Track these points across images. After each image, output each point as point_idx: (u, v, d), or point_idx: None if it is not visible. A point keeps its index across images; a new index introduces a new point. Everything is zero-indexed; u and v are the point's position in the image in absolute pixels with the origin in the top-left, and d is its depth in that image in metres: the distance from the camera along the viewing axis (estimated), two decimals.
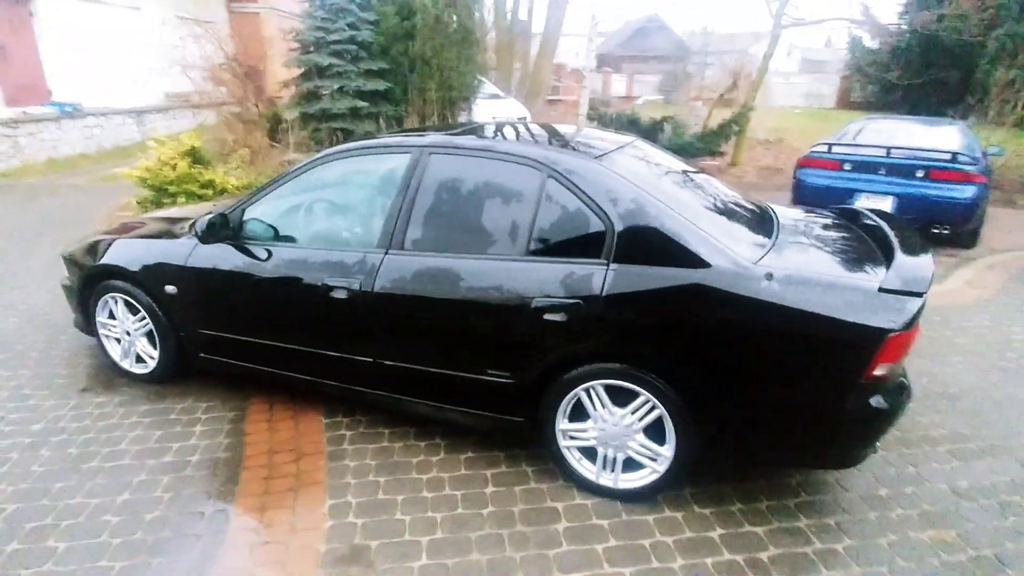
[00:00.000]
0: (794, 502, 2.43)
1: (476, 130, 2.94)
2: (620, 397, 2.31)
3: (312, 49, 8.80)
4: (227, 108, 9.67)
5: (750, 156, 11.44)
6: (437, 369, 2.54)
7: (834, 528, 2.30)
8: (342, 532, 2.26)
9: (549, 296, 2.25)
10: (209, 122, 11.20)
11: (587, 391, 2.33)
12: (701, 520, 2.33)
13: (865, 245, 2.50)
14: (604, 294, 2.19)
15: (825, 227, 2.78)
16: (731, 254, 2.14)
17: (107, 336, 3.32)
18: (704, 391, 2.19)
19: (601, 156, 2.46)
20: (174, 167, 6.28)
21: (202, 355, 3.09)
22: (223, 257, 2.85)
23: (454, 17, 8.80)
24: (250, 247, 2.81)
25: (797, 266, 2.18)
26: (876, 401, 2.09)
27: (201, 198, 6.07)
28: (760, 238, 2.42)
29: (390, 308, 2.54)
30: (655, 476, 2.35)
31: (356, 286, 2.54)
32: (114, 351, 3.32)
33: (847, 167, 6.08)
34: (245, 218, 2.85)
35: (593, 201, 2.28)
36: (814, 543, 2.22)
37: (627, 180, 2.32)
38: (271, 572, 2.09)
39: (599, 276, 2.21)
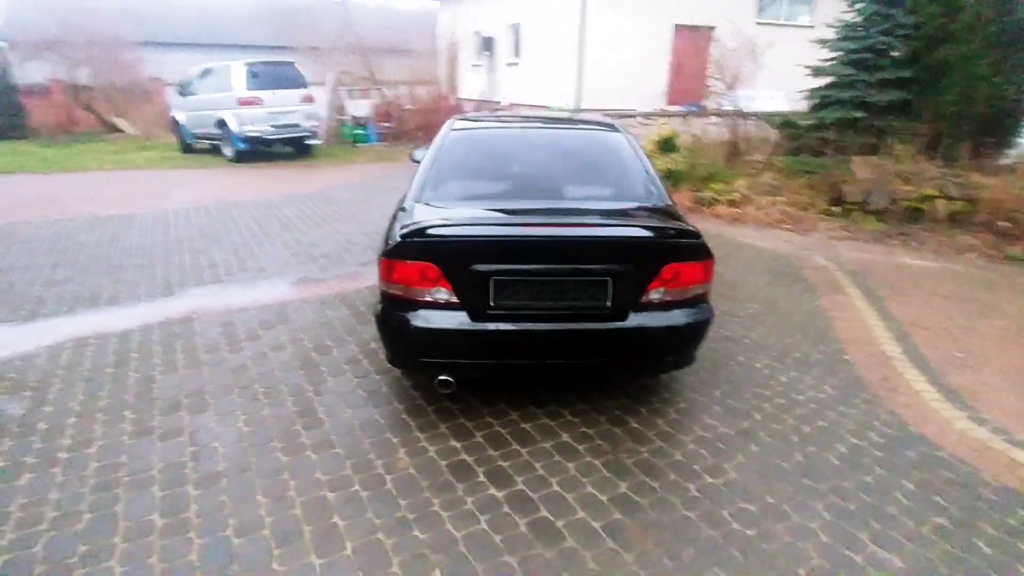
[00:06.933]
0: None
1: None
2: None
3: (835, 59, 8.71)
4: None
5: None
6: None
7: None
8: None
9: None
10: None
11: None
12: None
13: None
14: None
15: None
16: (424, 194, 3.09)
17: None
18: None
19: (468, 128, 3.64)
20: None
21: None
22: None
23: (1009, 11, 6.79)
24: None
25: (444, 210, 2.93)
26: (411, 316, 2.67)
27: None
28: (507, 200, 3.13)
29: None
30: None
31: None
32: None
33: None
34: None
35: None
36: None
37: (446, 144, 3.43)
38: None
39: None
